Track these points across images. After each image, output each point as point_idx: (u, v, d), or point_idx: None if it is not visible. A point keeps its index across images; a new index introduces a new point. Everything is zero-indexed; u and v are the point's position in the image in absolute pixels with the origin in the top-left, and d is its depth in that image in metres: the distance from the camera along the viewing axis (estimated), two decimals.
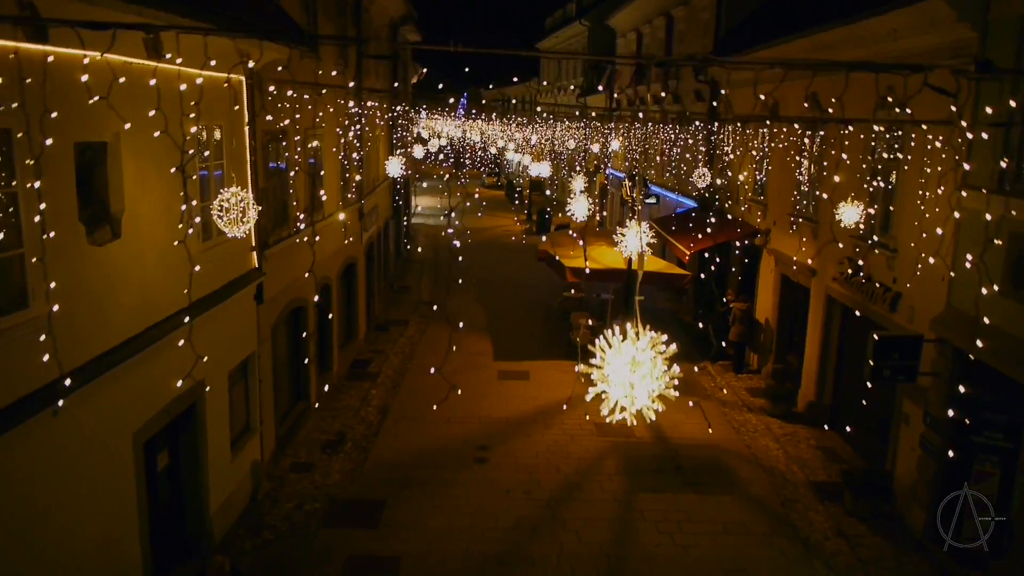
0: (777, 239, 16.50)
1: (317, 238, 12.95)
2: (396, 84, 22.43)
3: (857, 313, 12.72)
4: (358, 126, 15.61)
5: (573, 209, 11.47)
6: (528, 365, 17.46)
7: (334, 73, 14.45)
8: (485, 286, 24.43)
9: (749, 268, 18.14)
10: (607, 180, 36.21)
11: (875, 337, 10.09)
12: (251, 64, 9.60)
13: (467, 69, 74.34)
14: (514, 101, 61.34)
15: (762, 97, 17.20)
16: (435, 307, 21.29)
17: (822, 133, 14.40)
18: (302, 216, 13.03)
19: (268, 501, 11.01)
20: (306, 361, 13.69)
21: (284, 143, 12.10)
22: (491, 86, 73.13)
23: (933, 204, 10.36)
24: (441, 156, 46.37)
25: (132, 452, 7.60)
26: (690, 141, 23.02)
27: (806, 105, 13.98)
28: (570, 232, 16.95)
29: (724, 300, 18.30)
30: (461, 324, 18.54)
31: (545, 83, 53.72)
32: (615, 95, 34.21)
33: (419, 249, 31.23)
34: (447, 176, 48.61)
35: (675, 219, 20.99)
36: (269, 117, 11.08)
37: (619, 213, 33.93)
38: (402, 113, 22.65)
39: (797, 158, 15.46)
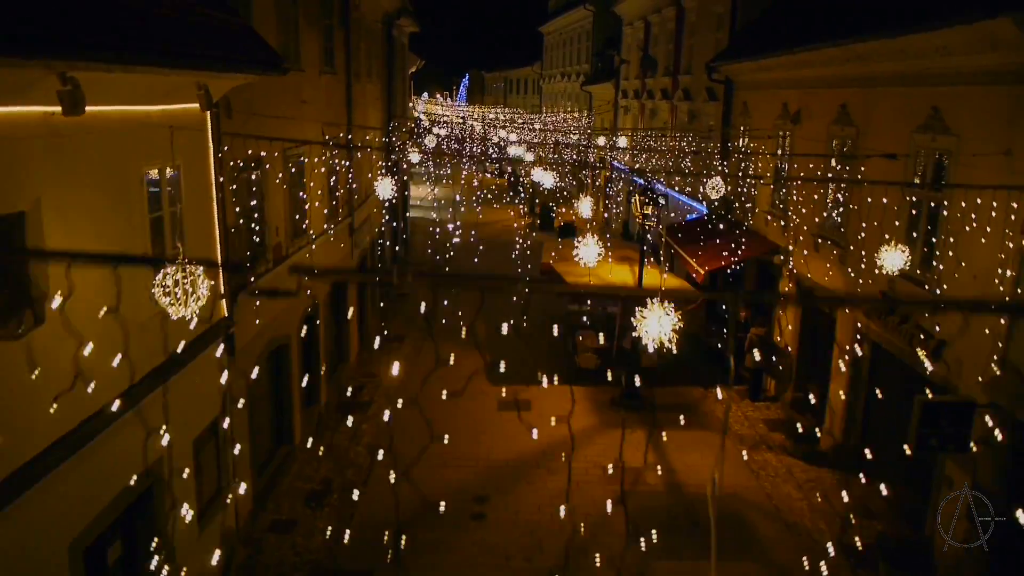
0: (799, 260, 15.29)
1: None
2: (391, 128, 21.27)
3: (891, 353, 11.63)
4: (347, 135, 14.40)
5: (581, 254, 10.31)
6: (530, 392, 16.35)
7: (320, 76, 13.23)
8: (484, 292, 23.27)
9: (767, 288, 16.96)
10: (612, 174, 34.87)
11: (921, 402, 8.94)
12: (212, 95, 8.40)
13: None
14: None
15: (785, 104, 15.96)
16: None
17: (849, 142, 13.17)
18: (282, 246, 11.87)
19: (243, 574, 9.98)
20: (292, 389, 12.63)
21: (260, 169, 10.90)
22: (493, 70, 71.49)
23: (987, 245, 9.18)
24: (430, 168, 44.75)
25: (68, 566, 6.52)
26: (702, 143, 21.74)
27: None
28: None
29: (743, 321, 17.14)
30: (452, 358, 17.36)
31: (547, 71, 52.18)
32: (621, 87, 32.81)
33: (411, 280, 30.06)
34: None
35: (686, 228, 19.78)
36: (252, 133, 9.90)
37: (624, 214, 32.70)
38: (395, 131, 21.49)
39: (822, 172, 14.21)
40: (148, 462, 7.86)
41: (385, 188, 12.94)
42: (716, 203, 18.08)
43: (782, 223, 16.03)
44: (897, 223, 11.30)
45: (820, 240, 14.18)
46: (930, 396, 8.94)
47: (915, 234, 11.08)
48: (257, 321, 10.54)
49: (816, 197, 14.52)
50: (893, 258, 9.22)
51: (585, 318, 18.15)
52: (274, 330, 11.64)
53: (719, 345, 18.30)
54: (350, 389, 16.04)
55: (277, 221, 11.66)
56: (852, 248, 12.83)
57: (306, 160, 12.90)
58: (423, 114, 75.78)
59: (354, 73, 16.21)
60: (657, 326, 6.49)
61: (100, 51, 5.23)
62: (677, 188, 24.34)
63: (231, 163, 9.85)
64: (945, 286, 9.98)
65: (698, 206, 21.81)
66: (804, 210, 15.05)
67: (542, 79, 54.20)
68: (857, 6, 13.84)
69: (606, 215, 35.80)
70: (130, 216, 7.26)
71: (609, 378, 12.69)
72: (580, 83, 41.58)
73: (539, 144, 34.40)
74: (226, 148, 8.90)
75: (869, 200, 12.02)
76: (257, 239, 10.94)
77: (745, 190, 18.19)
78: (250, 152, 10.46)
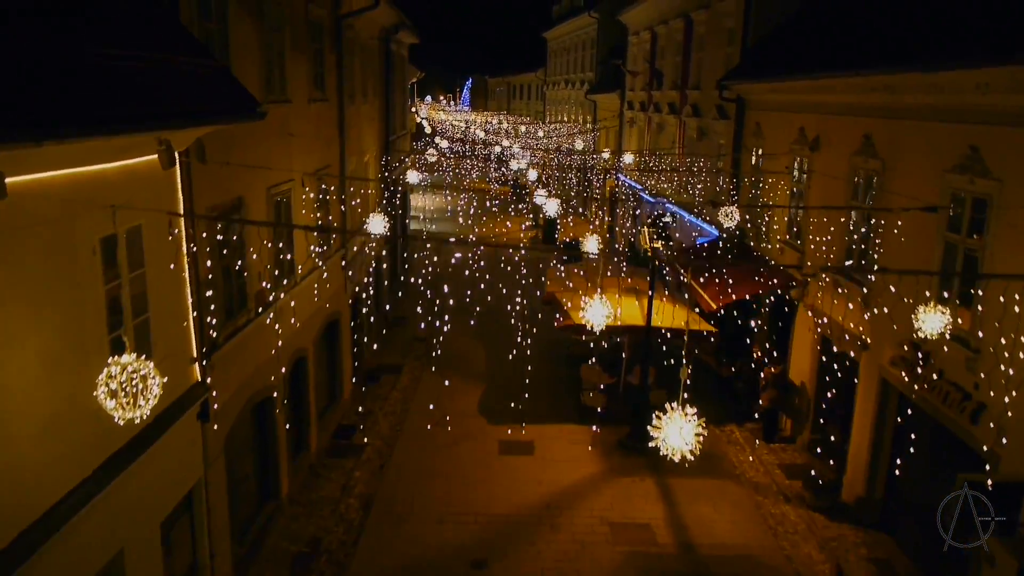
0: (816, 294, 14.44)
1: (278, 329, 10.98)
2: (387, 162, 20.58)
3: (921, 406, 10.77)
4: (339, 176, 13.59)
5: (588, 316, 9.53)
6: (533, 432, 15.49)
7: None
8: (484, 314, 22.24)
9: (781, 320, 16.09)
10: (617, 186, 34.05)
11: (964, 480, 8.10)
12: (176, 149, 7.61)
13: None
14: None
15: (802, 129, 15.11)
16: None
17: (874, 177, 12.32)
18: (267, 288, 11.07)
19: None
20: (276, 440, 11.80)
21: (240, 212, 10.09)
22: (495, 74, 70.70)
23: None
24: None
25: None
26: (715, 166, 20.92)
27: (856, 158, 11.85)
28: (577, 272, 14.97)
29: (756, 357, 16.27)
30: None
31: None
32: (627, 98, 31.95)
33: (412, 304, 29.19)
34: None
35: (696, 254, 18.91)
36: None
37: (631, 229, 31.87)
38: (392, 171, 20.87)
39: (843, 205, 13.34)
40: (109, 557, 7.07)
41: (377, 225, 12.13)
42: (730, 230, 17.18)
43: (800, 253, 15.17)
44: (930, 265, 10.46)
45: (841, 277, 13.32)
46: (979, 474, 8.09)
47: (948, 290, 10.21)
48: (229, 377, 9.75)
49: (835, 228, 13.65)
50: (932, 321, 8.34)
51: (595, 353, 17.22)
52: (256, 383, 10.83)
53: (732, 375, 17.44)
54: (343, 431, 15.24)
55: (260, 265, 10.86)
56: (876, 287, 11.96)
57: (293, 195, 12.09)
58: (425, 120, 75.10)
59: (347, 96, 15.39)
60: (679, 437, 5.69)
61: (18, 130, 4.42)
62: (686, 207, 23.50)
63: (207, 209, 9.05)
64: (991, 348, 9.09)
65: (709, 228, 20.96)
66: (823, 240, 14.20)
67: (546, 85, 53.36)
68: (881, 26, 13.01)
69: (614, 228, 34.97)
70: (80, 292, 6.45)
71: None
72: (584, 91, 40.76)
73: (543, 161, 33.55)
74: (173, 223, 8.08)
75: (898, 234, 11.19)
76: (238, 288, 10.14)
77: (759, 216, 17.33)
78: (229, 195, 9.67)
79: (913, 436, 11.25)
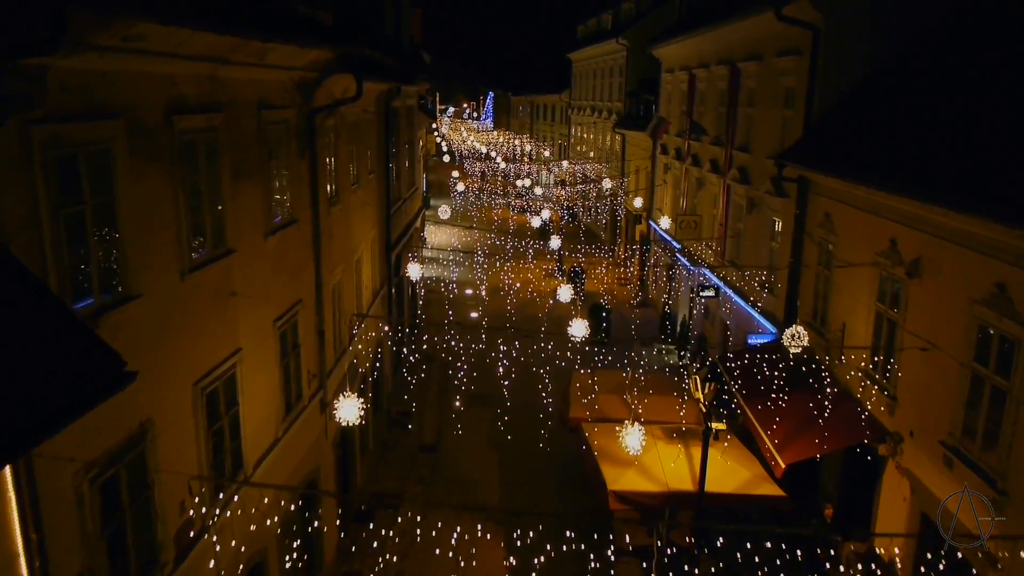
0: (914, 457, 11.35)
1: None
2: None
3: None
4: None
5: (626, 442, 6.61)
6: None
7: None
8: (500, 413, 19.26)
9: (861, 477, 12.92)
10: (649, 234, 31.00)
11: None
12: None
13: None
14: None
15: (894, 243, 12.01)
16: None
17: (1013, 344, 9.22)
18: (195, 520, 8.27)
19: None
20: None
21: (145, 441, 7.29)
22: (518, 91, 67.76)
23: None
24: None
25: None
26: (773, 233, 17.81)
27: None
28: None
29: (828, 520, 13.16)
30: None
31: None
32: (661, 141, 28.85)
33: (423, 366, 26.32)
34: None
35: (750, 368, 15.52)
36: None
37: (662, 277, 28.79)
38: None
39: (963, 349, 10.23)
40: None
41: (350, 409, 9.29)
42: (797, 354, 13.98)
43: (891, 400, 12.06)
44: None
45: (952, 454, 10.20)
46: None
47: None
48: None
49: (948, 384, 10.55)
50: None
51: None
52: None
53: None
54: None
55: (182, 493, 8.06)
56: (1015, 488, 8.85)
57: (240, 370, 9.29)
58: (443, 141, 72.45)
59: (325, 201, 12.59)
60: None
61: None
62: (732, 280, 20.39)
63: (83, 467, 6.27)
64: None
65: (763, 320, 17.84)
66: (927, 393, 11.11)
67: (571, 108, 50.29)
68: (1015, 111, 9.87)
69: (645, 280, 31.94)
70: None
71: None
72: (612, 122, 37.75)
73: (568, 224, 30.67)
74: None
75: None
76: (141, 546, 7.34)
77: (836, 335, 14.19)
78: (125, 427, 6.89)
79: None
